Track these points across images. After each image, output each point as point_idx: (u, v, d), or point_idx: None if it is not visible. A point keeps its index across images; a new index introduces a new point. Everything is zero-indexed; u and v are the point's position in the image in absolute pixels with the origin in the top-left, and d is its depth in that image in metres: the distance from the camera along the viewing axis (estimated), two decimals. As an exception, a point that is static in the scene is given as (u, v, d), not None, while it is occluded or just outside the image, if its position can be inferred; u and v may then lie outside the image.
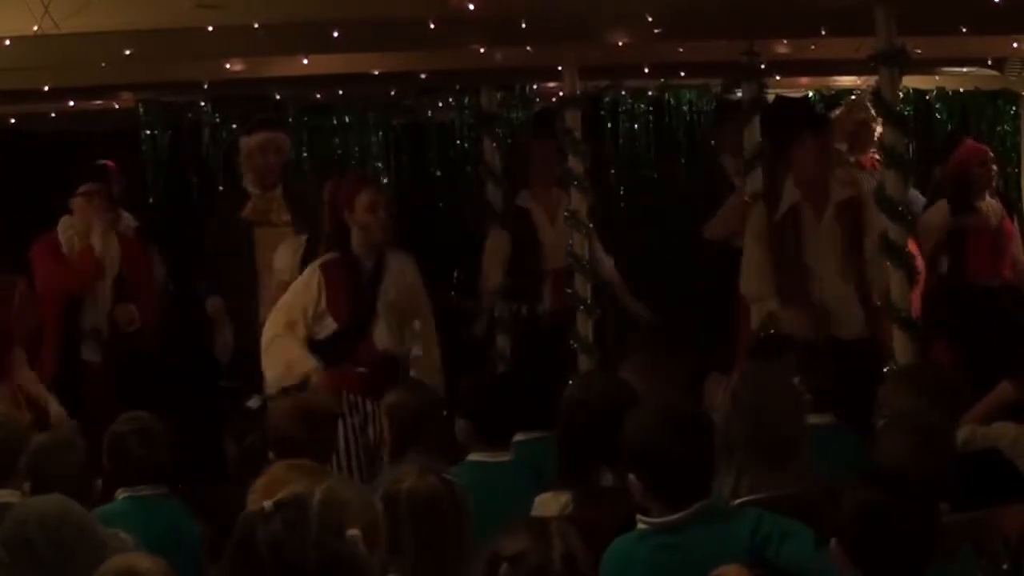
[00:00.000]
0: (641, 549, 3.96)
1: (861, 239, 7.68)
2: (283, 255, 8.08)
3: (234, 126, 10.21)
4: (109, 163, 9.07)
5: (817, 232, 7.76)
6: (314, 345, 7.18)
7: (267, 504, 2.87)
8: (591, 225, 8.80)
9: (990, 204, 9.00)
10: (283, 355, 7.12)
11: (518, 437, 5.69)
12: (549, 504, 4.81)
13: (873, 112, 8.11)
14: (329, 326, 7.20)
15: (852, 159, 9.09)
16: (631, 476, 4.02)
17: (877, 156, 8.64)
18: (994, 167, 9.17)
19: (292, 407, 5.69)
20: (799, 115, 9.14)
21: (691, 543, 3.91)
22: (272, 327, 7.22)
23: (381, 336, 7.23)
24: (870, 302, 7.64)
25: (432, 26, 7.07)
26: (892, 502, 3.64)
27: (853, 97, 10.02)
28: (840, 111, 9.71)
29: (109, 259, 8.53)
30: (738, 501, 4.52)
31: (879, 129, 8.05)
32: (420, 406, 5.88)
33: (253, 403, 7.71)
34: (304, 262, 7.68)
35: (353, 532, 2.86)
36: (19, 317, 7.69)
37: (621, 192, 11.02)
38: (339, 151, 10.64)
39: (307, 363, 7.05)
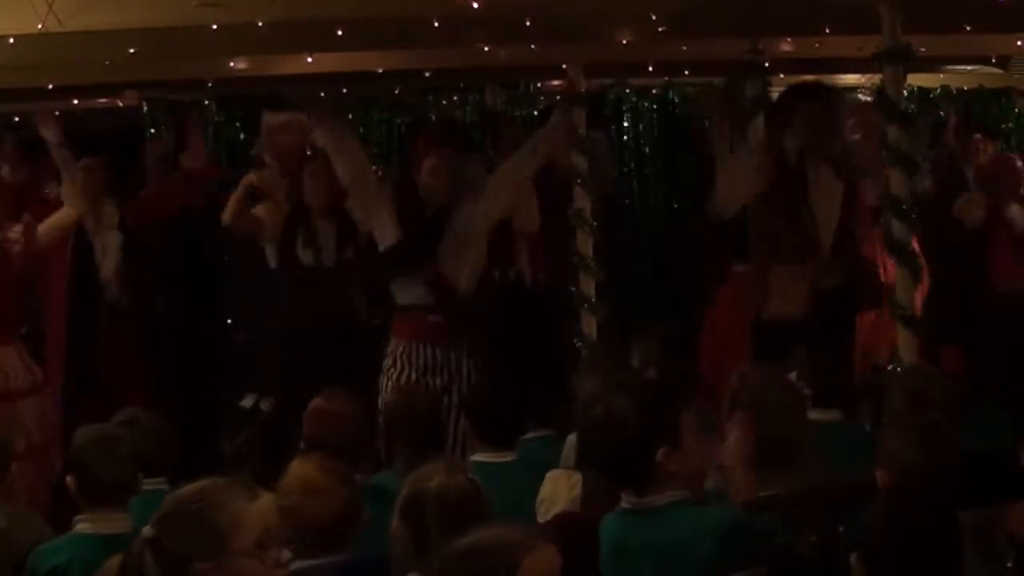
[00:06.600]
0: (611, 527, 3.98)
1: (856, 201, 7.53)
2: None
3: (238, 124, 10.18)
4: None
5: (818, 190, 7.50)
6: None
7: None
8: (595, 223, 8.77)
9: (1018, 210, 8.75)
10: None
11: (525, 436, 5.68)
12: (559, 481, 4.85)
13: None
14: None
15: None
16: None
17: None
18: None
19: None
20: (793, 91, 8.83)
21: (656, 529, 3.89)
22: None
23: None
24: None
25: (436, 24, 7.07)
26: (911, 514, 3.62)
27: (863, 99, 9.96)
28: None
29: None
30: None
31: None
32: (409, 409, 5.84)
33: (246, 402, 7.70)
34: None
35: None
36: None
37: (625, 190, 11.01)
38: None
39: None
